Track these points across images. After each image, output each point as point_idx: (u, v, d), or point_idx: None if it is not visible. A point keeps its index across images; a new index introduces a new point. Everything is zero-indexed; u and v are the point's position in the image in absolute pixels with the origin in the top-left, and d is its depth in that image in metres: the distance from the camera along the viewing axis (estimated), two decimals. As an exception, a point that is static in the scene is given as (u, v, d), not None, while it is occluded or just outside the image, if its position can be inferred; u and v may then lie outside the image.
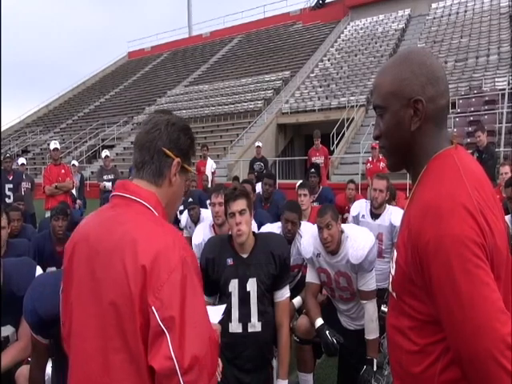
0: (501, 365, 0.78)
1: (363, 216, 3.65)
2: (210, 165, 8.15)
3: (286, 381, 2.13)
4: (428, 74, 0.94)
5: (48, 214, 4.94)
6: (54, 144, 5.97)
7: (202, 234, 3.11)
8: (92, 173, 16.36)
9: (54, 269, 3.11)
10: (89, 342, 0.95)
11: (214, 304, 2.12)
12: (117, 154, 19.39)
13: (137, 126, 21.83)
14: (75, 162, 8.85)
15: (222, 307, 1.62)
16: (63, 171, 5.84)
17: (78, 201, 6.91)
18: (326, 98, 16.49)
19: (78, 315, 0.99)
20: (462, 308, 0.81)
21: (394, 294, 0.98)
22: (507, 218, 2.44)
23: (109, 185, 6.53)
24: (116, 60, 34.49)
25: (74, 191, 6.61)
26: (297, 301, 2.87)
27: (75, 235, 1.06)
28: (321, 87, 17.78)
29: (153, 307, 0.88)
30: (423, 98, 0.93)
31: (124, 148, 20.00)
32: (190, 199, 5.32)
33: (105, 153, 7.70)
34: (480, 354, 0.79)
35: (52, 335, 1.95)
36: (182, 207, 5.54)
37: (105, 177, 7.14)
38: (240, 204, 2.05)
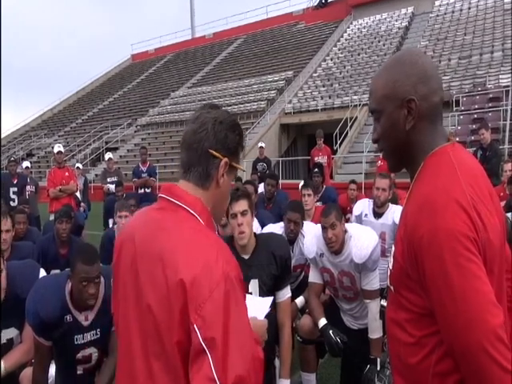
0: (491, 356, 0.79)
1: (366, 215, 3.65)
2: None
3: (289, 380, 2.13)
4: (419, 74, 0.96)
5: (52, 217, 4.97)
6: (58, 147, 6.00)
7: None
8: (96, 175, 16.45)
9: (57, 271, 3.13)
10: (134, 343, 0.94)
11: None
12: (120, 156, 19.48)
13: (140, 128, 21.92)
14: (79, 165, 8.89)
15: (269, 299, 1.45)
16: (67, 174, 5.88)
17: (82, 204, 6.93)
18: (329, 98, 16.46)
19: (123, 313, 0.99)
20: (453, 301, 0.82)
21: (392, 288, 1.00)
22: (510, 215, 2.42)
23: (112, 187, 6.54)
24: (120, 63, 34.68)
25: (78, 194, 6.64)
26: (299, 301, 2.86)
27: (123, 233, 1.06)
28: (324, 87, 17.76)
29: (195, 325, 0.83)
30: (416, 97, 0.95)
31: (128, 150, 20.08)
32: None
33: (108, 155, 7.73)
34: (471, 346, 0.80)
35: (54, 337, 1.96)
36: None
37: (108, 179, 7.16)
38: (242, 205, 2.05)
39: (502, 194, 3.39)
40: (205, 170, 0.99)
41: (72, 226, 3.67)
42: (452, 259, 0.82)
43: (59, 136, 24.90)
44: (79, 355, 2.05)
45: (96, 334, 2.06)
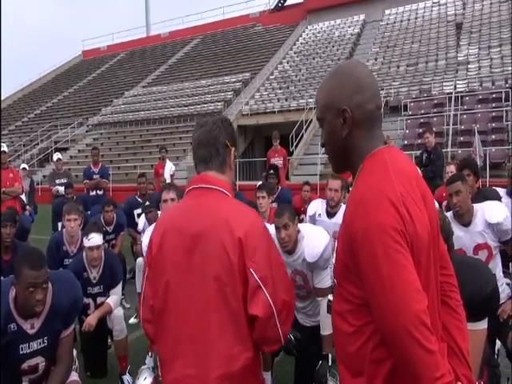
0: (414, 338, 0.86)
1: (319, 215, 3.75)
2: (169, 167, 8.02)
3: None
4: (354, 84, 1.04)
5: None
6: (2, 147, 5.66)
7: None
8: (44, 177, 15.64)
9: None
10: (192, 311, 1.19)
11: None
12: (71, 156, 18.69)
13: (92, 127, 21.13)
14: (25, 166, 8.40)
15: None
16: (11, 175, 5.55)
17: (28, 207, 6.56)
18: (286, 100, 16.73)
19: (176, 291, 1.21)
20: (382, 289, 0.89)
21: (336, 281, 1.07)
22: (448, 214, 2.58)
23: (62, 189, 6.24)
24: (70, 59, 33.20)
25: (23, 196, 6.28)
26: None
27: (161, 226, 1.30)
28: (280, 89, 18.01)
29: (251, 269, 1.16)
30: (349, 107, 1.03)
31: (79, 150, 19.29)
32: (147, 203, 5.23)
33: (57, 155, 7.36)
34: (398, 329, 0.87)
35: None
36: (139, 210, 5.44)
37: (57, 181, 6.82)
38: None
39: (444, 194, 3.60)
40: (222, 158, 1.30)
41: (17, 230, 3.49)
42: (382, 251, 0.89)
43: (3, 135, 23.43)
44: (25, 365, 1.96)
45: (43, 342, 1.98)
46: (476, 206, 2.67)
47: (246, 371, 1.19)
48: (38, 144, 20.62)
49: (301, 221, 4.65)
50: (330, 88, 1.07)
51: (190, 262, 1.19)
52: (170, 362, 1.24)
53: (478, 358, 1.72)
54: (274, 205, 4.72)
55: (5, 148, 5.68)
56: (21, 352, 1.93)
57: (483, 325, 1.77)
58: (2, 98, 29.04)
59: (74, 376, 2.21)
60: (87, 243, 2.98)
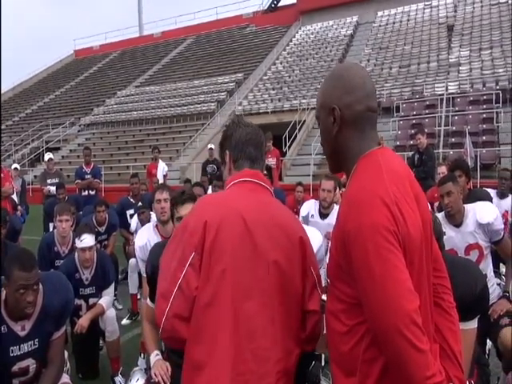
0: (405, 337, 0.87)
1: (312, 216, 3.76)
2: (162, 167, 7.99)
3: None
4: (344, 86, 1.07)
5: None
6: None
7: (146, 235, 3.06)
8: (35, 177, 15.50)
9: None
10: (253, 301, 1.14)
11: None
12: (62, 156, 18.54)
13: (84, 127, 20.98)
14: (16, 166, 8.31)
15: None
16: (2, 175, 5.48)
17: (20, 207, 6.49)
18: (279, 101, 16.76)
19: (238, 279, 1.14)
20: (374, 288, 0.90)
21: (329, 281, 1.07)
22: (440, 215, 2.61)
23: (53, 189, 6.18)
24: (62, 58, 32.92)
25: (14, 197, 6.21)
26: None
27: (219, 212, 1.19)
28: (273, 90, 18.04)
29: (311, 267, 1.24)
30: (338, 106, 1.06)
31: (70, 150, 19.13)
32: (140, 203, 5.21)
33: (48, 155, 7.29)
34: (389, 329, 0.88)
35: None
36: (132, 211, 5.41)
37: (48, 181, 6.75)
38: (188, 208, 2.03)
39: (436, 195, 3.63)
40: (264, 163, 1.37)
41: (7, 230, 3.45)
42: (374, 250, 0.90)
43: (-7, 134, 23.19)
44: (15, 368, 1.94)
45: (34, 344, 1.96)
46: (467, 206, 2.69)
47: (295, 368, 1.23)
48: (29, 144, 20.41)
49: (294, 221, 4.67)
50: (325, 88, 1.12)
51: (252, 249, 1.15)
52: (215, 361, 1.10)
53: (468, 357, 1.74)
54: (267, 205, 4.73)
55: (-5, 148, 5.62)
56: (11, 354, 1.91)
57: (473, 324, 1.78)
58: (-7, 97, 28.75)
59: (66, 378, 2.19)
60: (79, 244, 2.96)
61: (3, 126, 24.34)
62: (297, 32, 23.18)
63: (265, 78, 19.51)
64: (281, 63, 20.42)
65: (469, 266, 1.91)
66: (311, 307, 1.22)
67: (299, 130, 14.24)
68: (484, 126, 11.48)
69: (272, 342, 1.15)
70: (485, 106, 12.17)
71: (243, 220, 1.16)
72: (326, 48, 20.18)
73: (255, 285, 1.14)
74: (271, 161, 7.77)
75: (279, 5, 26.31)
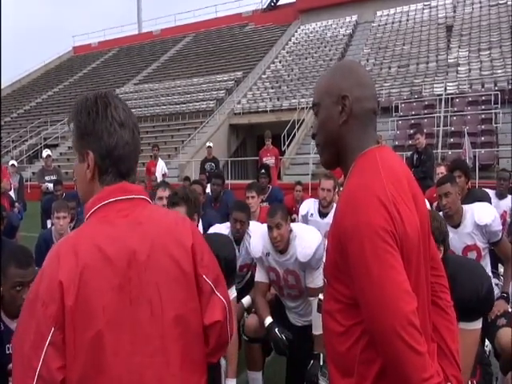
0: (403, 339, 0.86)
1: (312, 215, 3.75)
2: (161, 166, 7.98)
3: (235, 379, 2.14)
4: (356, 78, 1.05)
5: (-18, 218, 4.59)
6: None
7: None
8: (33, 173, 15.44)
9: (-13, 276, 2.90)
10: (139, 356, 0.92)
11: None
12: (60, 153, 18.48)
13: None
14: (14, 162, 8.28)
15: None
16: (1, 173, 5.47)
17: (17, 204, 6.47)
18: (278, 100, 16.74)
19: (116, 337, 0.90)
20: (371, 288, 0.89)
21: (326, 280, 1.06)
22: (440, 214, 2.60)
23: (51, 186, 6.17)
24: (60, 55, 32.76)
25: (12, 193, 6.19)
26: (246, 300, 2.88)
27: (76, 262, 0.90)
28: (272, 88, 18.02)
29: (203, 275, 1.01)
30: (350, 96, 1.03)
31: (68, 147, 19.04)
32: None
33: (46, 152, 7.27)
34: (386, 329, 0.87)
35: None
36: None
37: (46, 177, 6.74)
38: (178, 210, 2.02)
39: (435, 195, 3.62)
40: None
41: (4, 227, 3.44)
42: (371, 250, 0.89)
43: (-9, 130, 23.09)
44: (11, 365, 1.92)
45: (30, 342, 1.94)
46: (465, 207, 2.69)
47: None
48: (27, 140, 20.33)
49: (293, 220, 4.66)
50: (333, 77, 1.08)
51: (131, 296, 0.92)
52: None
53: (471, 357, 1.73)
54: (266, 204, 4.73)
55: (-7, 144, 5.60)
56: (7, 352, 1.89)
57: (478, 324, 1.78)
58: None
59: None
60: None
61: (1, 123, 24.25)
62: (296, 31, 23.14)
63: (264, 76, 19.48)
64: (280, 62, 20.39)
65: (474, 266, 1.90)
66: (212, 319, 1.02)
67: (298, 128, 14.23)
68: (483, 126, 11.50)
69: None
70: (483, 107, 12.18)
71: (110, 262, 0.91)
72: (325, 47, 20.15)
73: (139, 335, 0.92)
74: (270, 159, 7.77)
75: (278, 3, 26.26)
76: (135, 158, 1.02)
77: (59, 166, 12.14)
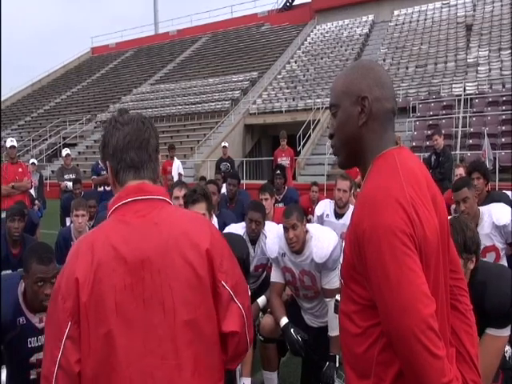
0: (421, 342, 0.85)
1: (327, 216, 3.73)
2: (177, 165, 8.05)
3: (250, 379, 2.14)
4: (375, 78, 1.04)
5: (3, 215, 4.72)
6: (11, 141, 5.71)
7: None
8: (52, 172, 15.74)
9: (9, 271, 2.98)
10: (150, 357, 0.95)
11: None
12: (79, 152, 18.80)
13: (100, 124, 21.23)
14: (34, 161, 8.48)
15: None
16: (21, 170, 5.59)
17: (37, 201, 6.62)
18: (293, 100, 16.69)
19: (128, 337, 0.93)
20: (390, 290, 0.88)
21: (343, 282, 1.05)
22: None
23: (70, 184, 6.30)
24: (79, 55, 33.35)
25: (32, 191, 6.34)
26: (261, 300, 2.88)
27: (92, 260, 0.96)
28: (288, 89, 17.98)
29: (222, 281, 1.02)
30: (369, 96, 1.02)
31: (87, 146, 19.39)
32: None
33: (65, 151, 7.42)
34: (404, 332, 0.86)
35: (6, 341, 1.87)
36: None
37: (66, 176, 6.88)
38: (198, 207, 2.03)
39: (452, 197, 3.57)
40: (154, 165, 1.13)
41: (25, 224, 3.52)
42: (389, 252, 0.88)
43: (12, 130, 23.62)
44: (33, 359, 1.97)
45: (51, 336, 1.99)
46: (482, 208, 2.65)
47: None
48: (46, 139, 20.75)
49: (308, 221, 4.64)
50: (351, 77, 1.05)
51: (144, 296, 0.94)
52: None
53: (496, 363, 1.71)
54: (281, 205, 4.72)
55: (14, 143, 5.74)
56: (29, 345, 1.94)
57: (507, 332, 1.75)
58: (12, 93, 29.30)
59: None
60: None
61: (22, 122, 24.80)
62: (312, 31, 23.04)
63: (279, 76, 19.46)
64: (295, 62, 20.33)
65: (503, 273, 1.87)
66: (229, 328, 1.02)
67: (313, 129, 14.17)
68: (503, 127, 11.25)
69: None
70: (504, 108, 11.92)
71: (124, 261, 0.94)
72: (341, 47, 20.01)
73: (151, 336, 0.94)
74: (285, 160, 7.76)
75: (294, 3, 26.20)
76: (141, 146, 1.07)
77: (78, 164, 12.35)
